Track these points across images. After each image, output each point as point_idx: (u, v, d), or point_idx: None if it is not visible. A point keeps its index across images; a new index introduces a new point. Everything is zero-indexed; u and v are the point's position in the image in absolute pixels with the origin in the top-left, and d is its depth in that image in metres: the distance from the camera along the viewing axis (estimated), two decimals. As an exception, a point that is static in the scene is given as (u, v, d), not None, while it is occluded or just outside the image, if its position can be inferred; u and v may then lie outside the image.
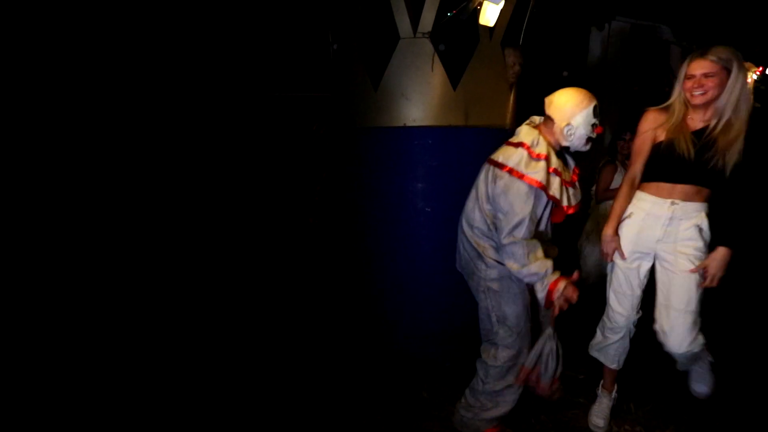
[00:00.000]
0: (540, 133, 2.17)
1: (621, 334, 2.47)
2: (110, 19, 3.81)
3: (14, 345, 3.09)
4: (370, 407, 2.71)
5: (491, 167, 2.20)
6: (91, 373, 2.95)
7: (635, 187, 2.32)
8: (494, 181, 2.14)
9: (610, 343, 2.50)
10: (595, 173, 3.95)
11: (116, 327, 3.48)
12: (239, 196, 4.62)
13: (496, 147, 3.00)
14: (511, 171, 2.10)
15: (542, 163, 2.10)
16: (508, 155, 2.15)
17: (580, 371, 3.06)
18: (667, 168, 2.21)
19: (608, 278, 2.48)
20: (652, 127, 2.22)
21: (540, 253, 2.14)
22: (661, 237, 2.27)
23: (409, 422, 2.60)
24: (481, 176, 2.25)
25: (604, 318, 2.51)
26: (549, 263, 2.13)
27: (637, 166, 2.29)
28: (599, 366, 3.09)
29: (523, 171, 2.08)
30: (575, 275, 2.15)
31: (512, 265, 2.13)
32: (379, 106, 3.04)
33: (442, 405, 2.74)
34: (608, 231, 2.37)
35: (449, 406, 2.72)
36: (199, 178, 4.38)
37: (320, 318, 3.66)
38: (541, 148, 2.12)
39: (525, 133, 2.19)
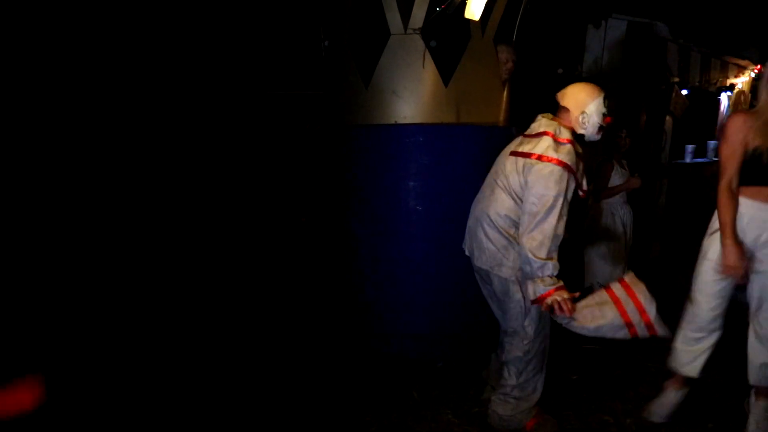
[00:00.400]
0: (559, 122, 2.29)
1: (715, 335, 2.38)
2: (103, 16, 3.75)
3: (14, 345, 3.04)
4: (360, 408, 2.68)
5: (517, 159, 2.28)
6: (90, 372, 2.90)
7: (735, 194, 2.24)
8: (524, 170, 2.22)
9: (702, 351, 2.40)
10: (591, 172, 3.92)
11: (109, 327, 3.44)
12: (231, 194, 4.58)
13: (488, 145, 2.99)
14: (540, 157, 2.19)
15: (569, 147, 2.22)
16: (533, 145, 2.25)
17: (573, 372, 3.03)
18: (764, 172, 2.16)
19: (698, 282, 2.38)
20: (742, 131, 2.17)
21: (556, 253, 2.16)
22: (765, 240, 2.21)
23: (399, 423, 2.57)
24: (508, 168, 2.30)
25: (688, 325, 2.41)
26: (557, 267, 2.14)
27: (731, 171, 2.22)
28: (591, 367, 3.07)
29: (553, 155, 2.17)
30: (577, 294, 2.16)
31: (528, 254, 2.12)
32: (369, 104, 3.01)
33: (432, 406, 2.70)
34: (731, 245, 2.20)
35: (440, 407, 2.69)
36: (188, 176, 4.34)
37: (312, 318, 3.62)
38: (565, 134, 2.24)
39: (545, 124, 2.30)
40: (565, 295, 2.09)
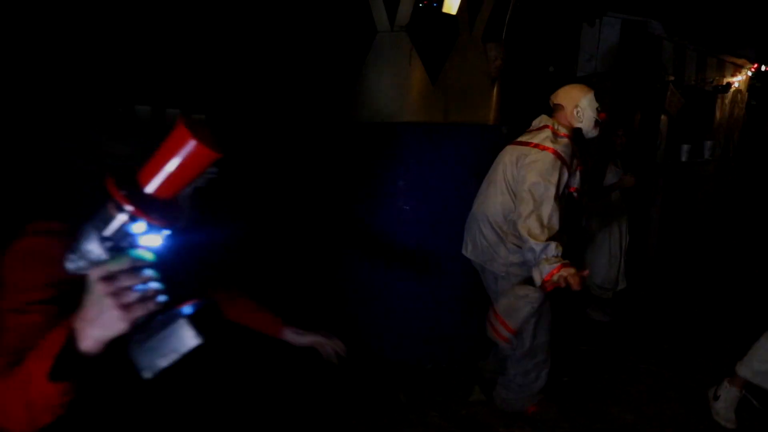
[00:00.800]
0: (557, 120, 2.40)
1: None
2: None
3: None
4: (346, 410, 2.63)
5: (515, 148, 2.39)
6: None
7: None
8: (520, 159, 2.31)
9: None
10: (587, 172, 3.87)
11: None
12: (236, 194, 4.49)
13: (477, 144, 2.95)
14: (537, 145, 2.30)
15: (566, 140, 2.33)
16: (532, 135, 2.37)
17: (564, 374, 2.98)
18: None
19: None
20: None
21: (555, 236, 2.17)
22: None
23: (385, 426, 2.52)
24: (505, 159, 2.40)
25: None
26: (560, 248, 2.14)
27: None
28: (582, 369, 3.04)
29: (549, 145, 2.27)
30: (586, 272, 2.12)
31: (528, 240, 2.15)
32: (356, 102, 2.96)
33: (419, 408, 2.66)
34: None
35: (427, 409, 2.65)
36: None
37: (297, 318, 3.57)
38: (564, 130, 2.36)
39: (546, 119, 2.42)
40: (572, 270, 2.03)
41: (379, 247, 3.00)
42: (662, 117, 5.52)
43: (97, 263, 0.77)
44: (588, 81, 5.37)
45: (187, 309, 0.84)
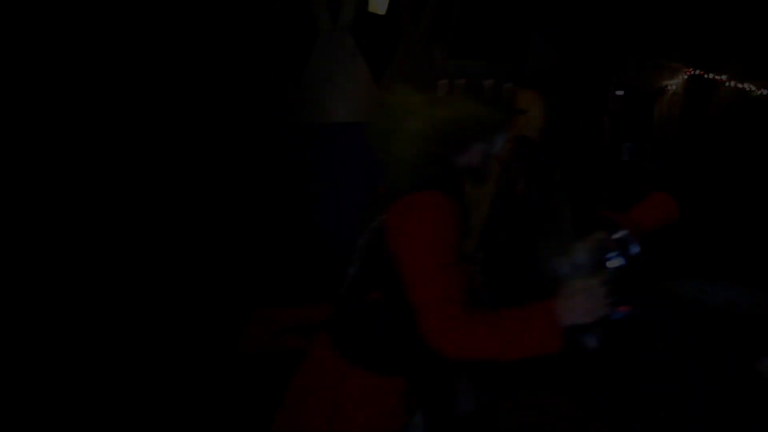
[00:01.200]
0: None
1: None
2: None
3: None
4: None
5: None
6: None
7: None
8: None
9: None
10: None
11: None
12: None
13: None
14: None
15: (509, 146, 2.28)
16: None
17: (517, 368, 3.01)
18: None
19: None
20: None
21: None
22: None
23: None
24: None
25: None
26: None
27: None
28: (535, 363, 3.05)
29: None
30: None
31: None
32: (299, 101, 2.91)
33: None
34: None
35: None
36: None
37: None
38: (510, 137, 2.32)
39: None
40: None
41: (321, 251, 2.95)
42: (605, 118, 5.73)
43: (584, 272, 1.04)
44: (535, 82, 5.51)
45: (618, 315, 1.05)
